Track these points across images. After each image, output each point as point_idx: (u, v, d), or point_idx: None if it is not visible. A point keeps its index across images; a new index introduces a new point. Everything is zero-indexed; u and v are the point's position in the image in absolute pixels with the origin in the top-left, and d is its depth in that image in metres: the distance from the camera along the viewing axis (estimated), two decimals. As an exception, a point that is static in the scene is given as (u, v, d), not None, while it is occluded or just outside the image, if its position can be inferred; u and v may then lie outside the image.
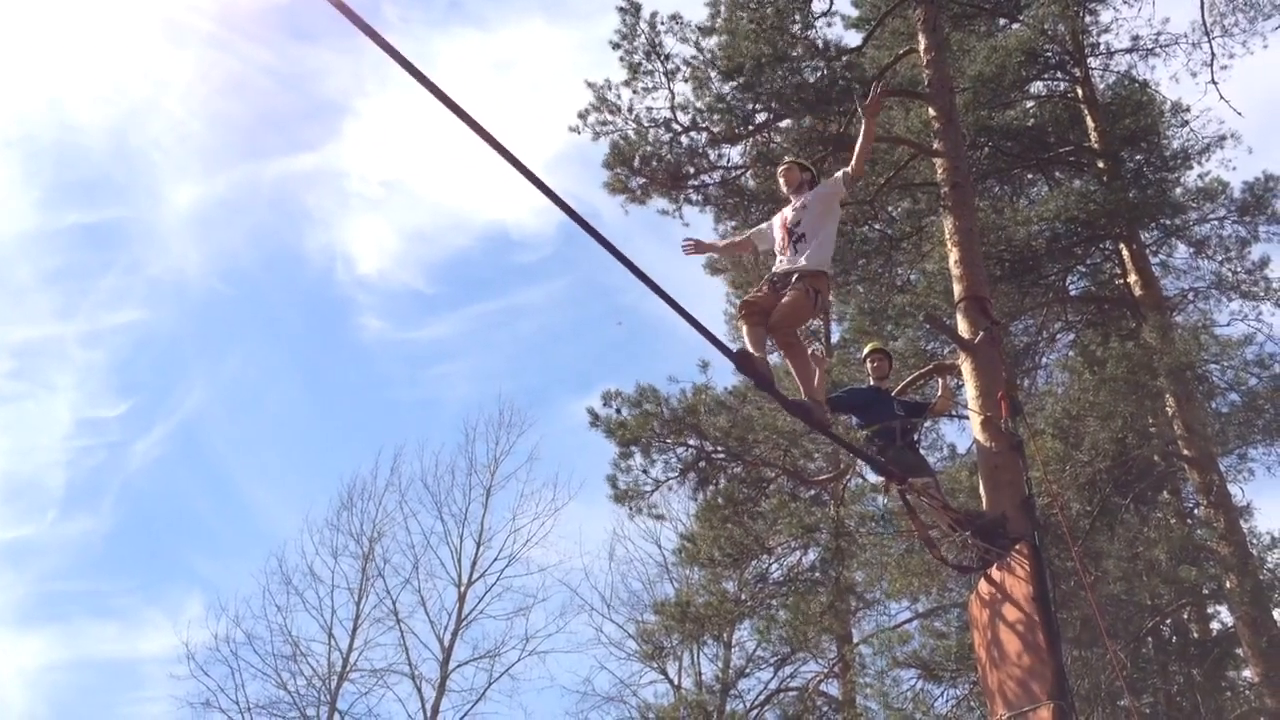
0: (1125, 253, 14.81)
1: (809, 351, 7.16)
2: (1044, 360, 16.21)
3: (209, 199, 38.22)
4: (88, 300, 36.13)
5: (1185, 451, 12.88)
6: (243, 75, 38.99)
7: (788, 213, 7.21)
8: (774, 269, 7.09)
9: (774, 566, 16.41)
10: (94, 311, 35.84)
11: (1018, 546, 7.99)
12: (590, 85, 13.58)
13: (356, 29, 4.07)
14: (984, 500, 8.79)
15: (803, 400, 6.91)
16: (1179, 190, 15.12)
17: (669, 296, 5.59)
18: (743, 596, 16.19)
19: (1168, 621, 13.17)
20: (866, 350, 9.10)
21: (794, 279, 6.83)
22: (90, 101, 37.30)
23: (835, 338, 18.68)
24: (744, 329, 6.99)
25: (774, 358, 9.67)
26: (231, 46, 39.50)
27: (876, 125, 7.34)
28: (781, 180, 7.58)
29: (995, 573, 8.08)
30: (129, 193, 37.56)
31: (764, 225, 7.61)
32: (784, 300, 6.78)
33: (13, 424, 34.85)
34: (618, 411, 15.11)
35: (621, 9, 13.64)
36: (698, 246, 7.71)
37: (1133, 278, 14.55)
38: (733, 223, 14.29)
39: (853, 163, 7.07)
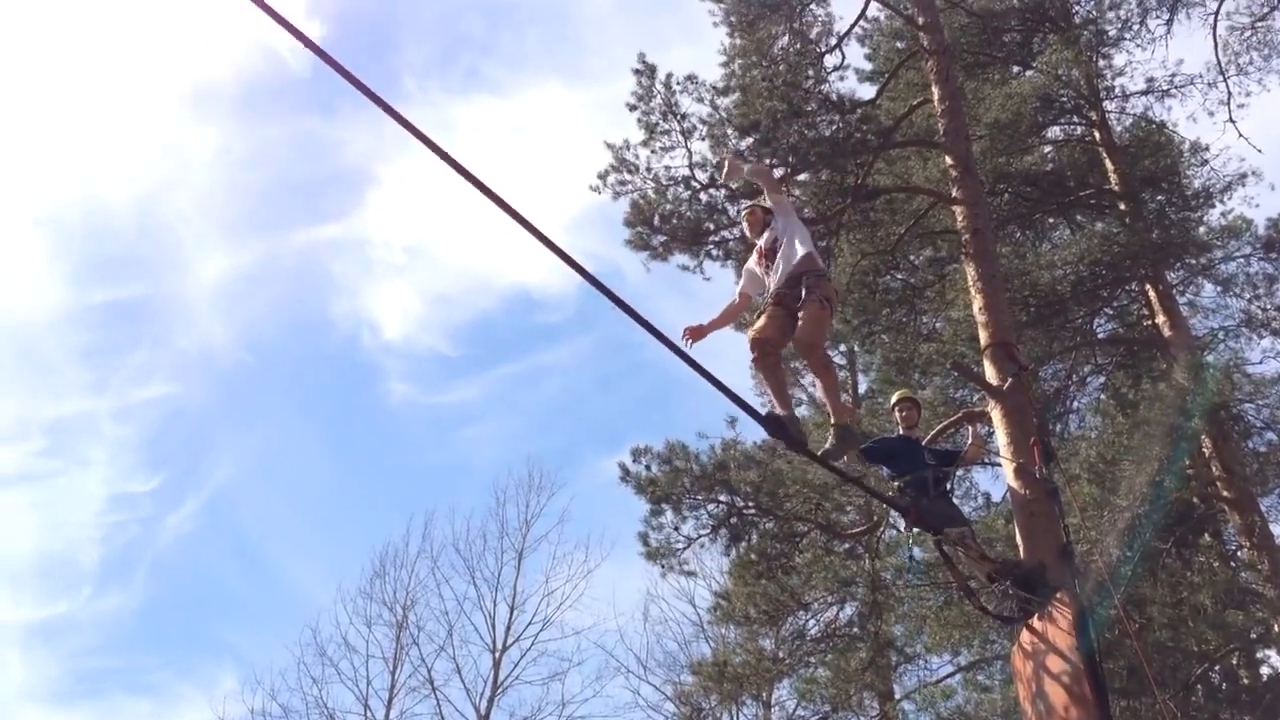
0: (1152, 293, 14.72)
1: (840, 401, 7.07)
2: (1075, 404, 16.07)
3: (235, 271, 38.78)
4: (118, 376, 36.55)
5: (1224, 493, 12.68)
6: (265, 147, 39.81)
7: (760, 245, 7.15)
8: (768, 294, 6.92)
9: (811, 622, 16.19)
10: (124, 387, 36.24)
11: (1059, 595, 7.85)
12: (609, 146, 13.75)
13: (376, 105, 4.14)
14: (1021, 549, 8.66)
15: (831, 448, 6.79)
16: (1202, 229, 15.06)
17: (693, 360, 5.63)
18: (780, 654, 15.96)
19: (1216, 668, 12.85)
20: (895, 399, 9.03)
21: (802, 289, 6.61)
22: (117, 178, 38.14)
23: (862, 389, 18.64)
24: (764, 380, 6.88)
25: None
26: (254, 119, 40.42)
27: (779, 192, 7.35)
28: (745, 225, 7.59)
29: (1037, 623, 7.93)
30: (156, 268, 38.15)
31: (745, 275, 7.39)
32: (801, 322, 6.55)
33: (47, 501, 35.13)
34: (647, 468, 15.05)
35: (637, 71, 13.85)
36: (697, 333, 7.08)
37: (1161, 318, 14.44)
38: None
39: (765, 189, 7.19)
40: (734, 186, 7.38)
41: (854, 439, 6.89)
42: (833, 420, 6.76)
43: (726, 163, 7.35)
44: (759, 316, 6.94)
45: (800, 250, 6.71)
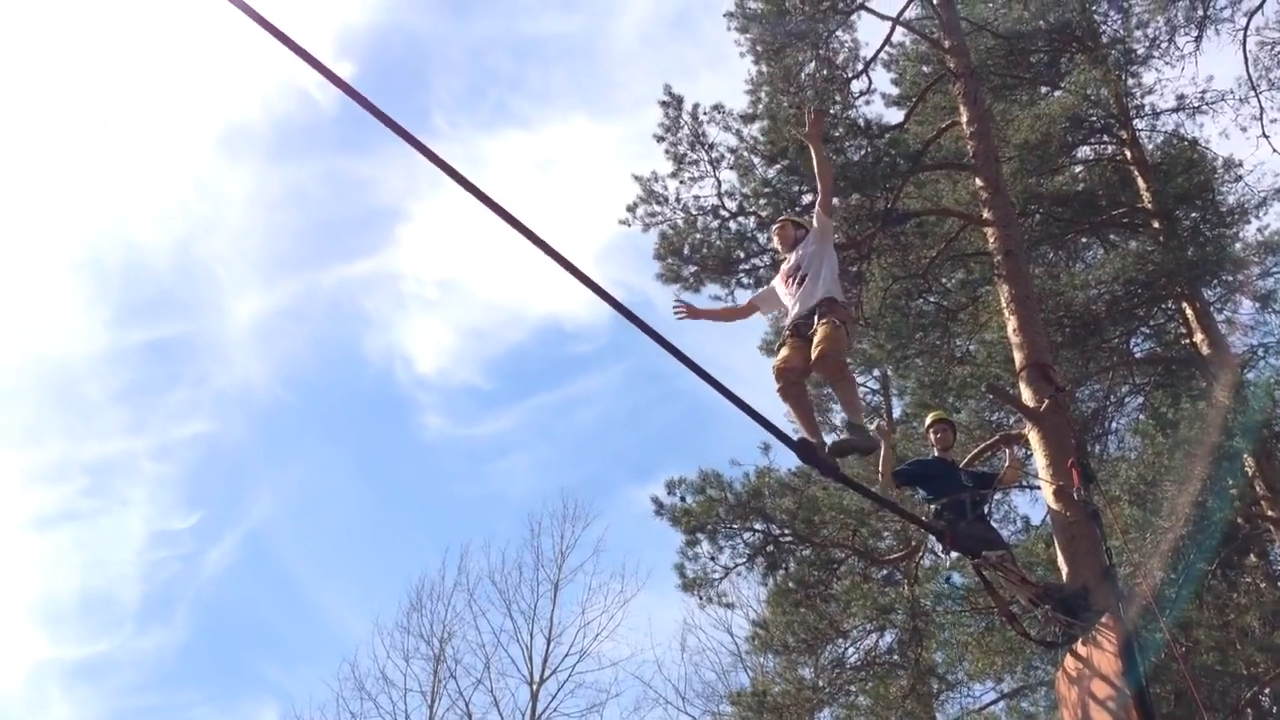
0: (1189, 311, 14.56)
1: (875, 425, 7.02)
2: (1113, 425, 15.88)
3: (270, 309, 39.25)
4: (157, 415, 37.03)
5: (1269, 512, 12.46)
6: (299, 186, 40.35)
7: (787, 266, 7.11)
8: (788, 321, 6.92)
9: (850, 650, 16.01)
10: (163, 425, 36.70)
11: (1103, 619, 7.73)
12: (637, 179, 13.85)
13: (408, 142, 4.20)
14: (1063, 572, 8.55)
15: (842, 440, 6.66)
16: (1238, 245, 14.91)
17: (723, 387, 5.60)
18: (820, 683, 15.79)
19: (1266, 691, 12.59)
20: (930, 420, 8.96)
21: (816, 315, 6.64)
22: (153, 219, 38.76)
23: (897, 413, 18.51)
24: (791, 410, 6.76)
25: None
26: (287, 159, 41.08)
27: (824, 150, 7.16)
28: (776, 239, 7.49)
29: (1081, 647, 7.81)
30: (193, 307, 38.69)
31: (764, 289, 7.46)
32: (816, 338, 6.54)
33: (88, 540, 35.51)
34: (682, 499, 15.01)
35: (664, 103, 13.96)
36: (690, 311, 7.23)
37: (1199, 336, 14.28)
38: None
39: (820, 195, 7.00)
40: (803, 142, 7.21)
41: (866, 437, 6.70)
42: (848, 420, 6.72)
43: (813, 115, 7.02)
44: (780, 348, 6.94)
45: (820, 293, 6.71)
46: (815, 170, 6.96)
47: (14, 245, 38.15)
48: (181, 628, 34.45)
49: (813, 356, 6.54)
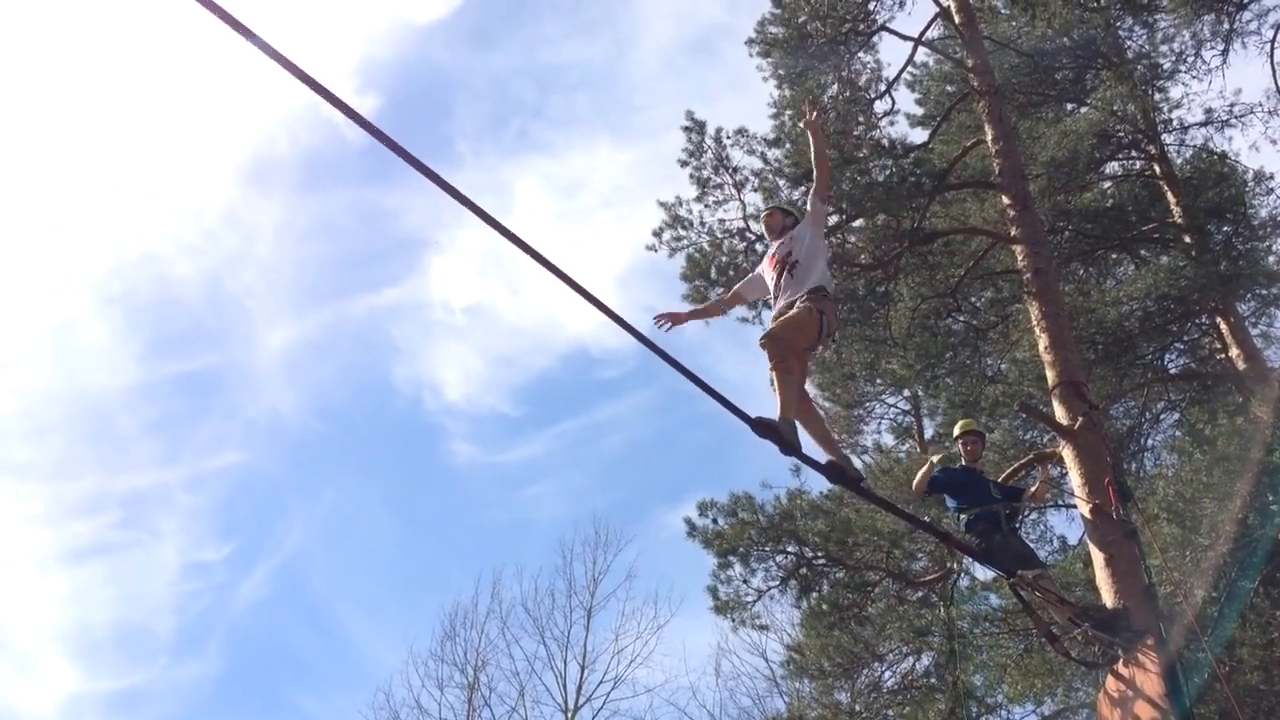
0: (1223, 326, 14.41)
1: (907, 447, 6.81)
2: (1149, 442, 15.70)
3: (299, 339, 39.55)
4: (189, 446, 37.30)
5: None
6: (326, 217, 40.75)
7: (774, 251, 6.83)
8: (775, 310, 6.58)
9: (887, 674, 15.86)
10: (195, 457, 36.96)
11: (1144, 639, 7.62)
12: (662, 204, 13.90)
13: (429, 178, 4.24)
14: (1102, 592, 8.44)
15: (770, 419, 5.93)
16: (1271, 259, 14.75)
17: (743, 413, 5.56)
18: (857, 707, 15.64)
19: (1315, 712, 12.34)
20: (959, 430, 8.87)
21: (800, 300, 6.35)
22: (183, 253, 39.23)
23: (928, 434, 18.39)
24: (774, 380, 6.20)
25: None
26: (314, 190, 41.50)
27: (828, 146, 6.76)
28: (764, 226, 7.24)
29: (1123, 668, 7.70)
30: (224, 339, 39.08)
31: (749, 276, 7.21)
32: (786, 315, 6.30)
33: (123, 572, 35.72)
34: (714, 521, 14.97)
35: (687, 128, 14.02)
36: (674, 319, 6.85)
37: (1234, 351, 14.11)
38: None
39: (816, 181, 6.73)
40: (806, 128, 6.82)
41: (791, 431, 5.97)
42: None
43: (812, 109, 6.78)
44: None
45: (811, 282, 6.40)
46: (813, 158, 6.74)
47: (46, 281, 38.79)
48: (215, 659, 34.57)
49: (770, 330, 6.27)
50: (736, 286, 7.28)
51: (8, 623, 31.94)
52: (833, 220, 13.42)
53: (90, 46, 40.32)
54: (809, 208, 6.77)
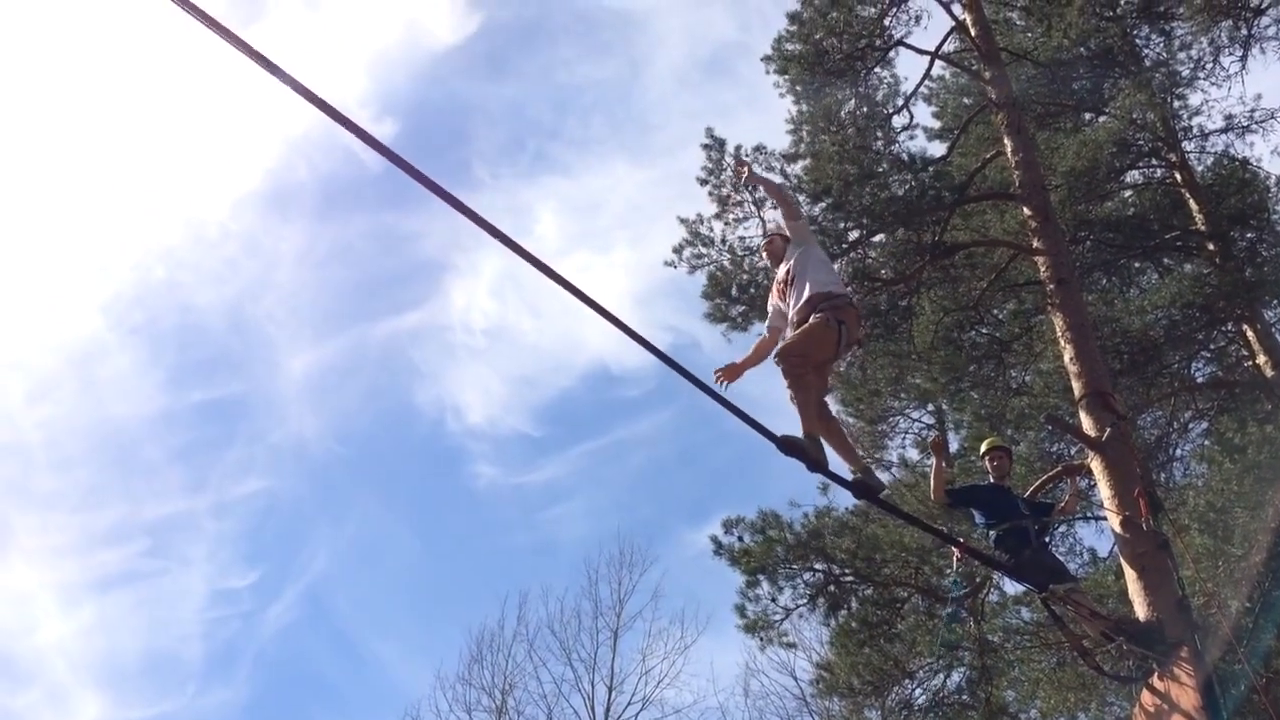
0: (1250, 334, 14.28)
1: (932, 439, 6.73)
2: (1178, 452, 15.54)
3: (322, 364, 39.74)
4: (215, 473, 37.51)
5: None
6: (346, 242, 41.01)
7: (779, 276, 6.90)
8: (789, 325, 6.58)
9: (918, 691, 15.72)
10: (221, 484, 37.14)
11: (1179, 652, 7.53)
12: (682, 221, 13.94)
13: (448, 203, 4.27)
14: (1135, 605, 8.35)
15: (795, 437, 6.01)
16: (1297, 264, 14.61)
17: (767, 430, 5.54)
18: (888, 726, 15.50)
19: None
20: (985, 448, 8.82)
21: (813, 310, 6.30)
22: (205, 281, 39.54)
23: (954, 447, 18.27)
24: (791, 394, 6.22)
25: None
26: (334, 216, 41.79)
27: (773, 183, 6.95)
28: (765, 255, 7.35)
29: (1158, 682, 7.61)
30: (247, 366, 39.33)
31: (771, 311, 7.15)
32: (801, 328, 6.25)
33: (151, 600, 35.89)
34: (740, 539, 14.92)
35: (706, 145, 14.07)
36: (731, 372, 6.77)
37: (1261, 359, 13.98)
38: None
39: (781, 209, 7.02)
40: (749, 192, 7.05)
41: (816, 448, 6.02)
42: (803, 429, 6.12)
43: (739, 168, 7.00)
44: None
45: (809, 290, 6.40)
46: (767, 194, 6.87)
47: (69, 312, 39.20)
48: (243, 685, 34.66)
49: (784, 344, 6.25)
50: (767, 325, 7.25)
51: (37, 654, 32.18)
52: (853, 235, 13.43)
53: (110, 78, 40.85)
54: (789, 233, 6.93)
